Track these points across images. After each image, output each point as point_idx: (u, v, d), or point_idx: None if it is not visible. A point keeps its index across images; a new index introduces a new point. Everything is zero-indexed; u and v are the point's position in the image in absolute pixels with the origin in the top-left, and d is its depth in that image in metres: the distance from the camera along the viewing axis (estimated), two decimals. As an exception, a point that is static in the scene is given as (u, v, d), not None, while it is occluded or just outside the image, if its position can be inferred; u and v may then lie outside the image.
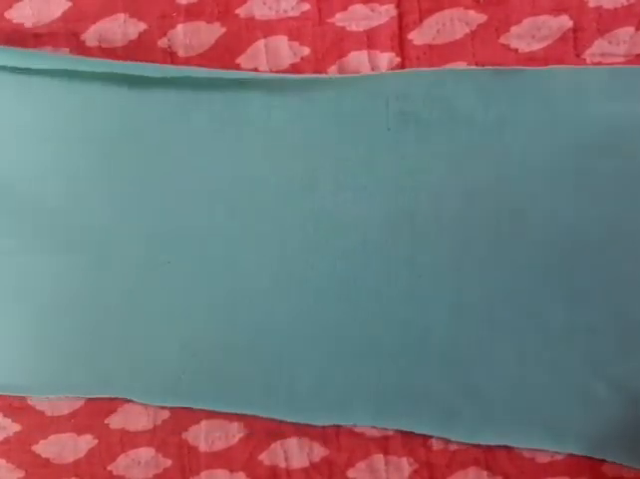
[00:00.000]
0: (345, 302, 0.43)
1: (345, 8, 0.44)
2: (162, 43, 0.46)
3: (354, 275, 0.43)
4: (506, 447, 0.42)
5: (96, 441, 0.47)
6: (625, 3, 0.41)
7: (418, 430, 0.43)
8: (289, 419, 0.44)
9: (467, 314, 0.42)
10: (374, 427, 0.44)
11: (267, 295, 0.44)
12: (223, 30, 0.45)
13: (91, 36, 0.46)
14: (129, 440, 0.46)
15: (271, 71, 0.44)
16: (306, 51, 0.44)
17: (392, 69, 0.43)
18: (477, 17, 0.43)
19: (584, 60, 0.42)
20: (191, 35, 0.45)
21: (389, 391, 0.43)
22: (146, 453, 0.46)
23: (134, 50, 0.46)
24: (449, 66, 0.43)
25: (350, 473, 0.44)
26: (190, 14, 0.45)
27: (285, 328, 0.44)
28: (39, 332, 0.46)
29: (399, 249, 0.42)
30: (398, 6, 0.43)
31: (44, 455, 0.47)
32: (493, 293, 0.42)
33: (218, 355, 0.45)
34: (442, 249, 0.42)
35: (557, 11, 0.42)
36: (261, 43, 0.45)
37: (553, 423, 0.42)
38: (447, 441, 0.43)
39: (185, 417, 0.46)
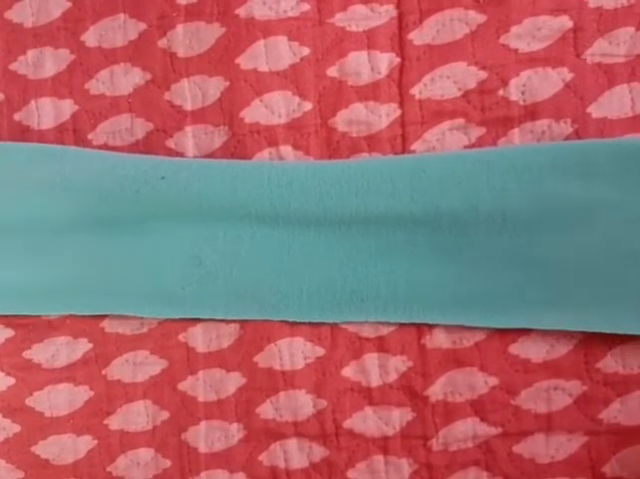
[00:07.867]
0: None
1: (345, 8, 0.44)
2: (162, 43, 0.46)
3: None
4: (507, 448, 0.42)
5: (95, 442, 0.47)
6: (625, 3, 0.41)
7: (431, 320, 0.43)
8: (301, 319, 0.44)
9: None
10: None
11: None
12: (223, 30, 0.45)
13: (91, 36, 0.47)
14: (128, 441, 0.46)
15: (271, 71, 0.45)
16: (306, 51, 0.44)
17: (392, 69, 0.43)
18: (477, 17, 0.43)
19: (584, 60, 0.42)
20: (191, 35, 0.45)
21: (399, 286, 0.43)
22: (145, 454, 0.46)
23: (134, 50, 0.46)
24: (448, 66, 0.43)
25: (350, 474, 0.44)
26: (190, 14, 0.46)
27: (292, 229, 0.44)
28: (50, 256, 0.46)
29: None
30: (398, 6, 0.43)
31: (43, 456, 0.47)
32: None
33: (225, 264, 0.44)
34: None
35: (557, 11, 0.42)
36: (261, 43, 0.45)
37: (571, 302, 0.41)
38: (446, 442, 0.43)
39: (185, 418, 0.46)
